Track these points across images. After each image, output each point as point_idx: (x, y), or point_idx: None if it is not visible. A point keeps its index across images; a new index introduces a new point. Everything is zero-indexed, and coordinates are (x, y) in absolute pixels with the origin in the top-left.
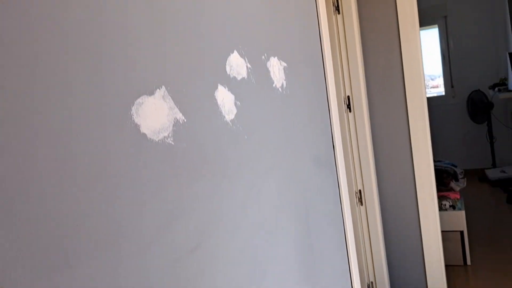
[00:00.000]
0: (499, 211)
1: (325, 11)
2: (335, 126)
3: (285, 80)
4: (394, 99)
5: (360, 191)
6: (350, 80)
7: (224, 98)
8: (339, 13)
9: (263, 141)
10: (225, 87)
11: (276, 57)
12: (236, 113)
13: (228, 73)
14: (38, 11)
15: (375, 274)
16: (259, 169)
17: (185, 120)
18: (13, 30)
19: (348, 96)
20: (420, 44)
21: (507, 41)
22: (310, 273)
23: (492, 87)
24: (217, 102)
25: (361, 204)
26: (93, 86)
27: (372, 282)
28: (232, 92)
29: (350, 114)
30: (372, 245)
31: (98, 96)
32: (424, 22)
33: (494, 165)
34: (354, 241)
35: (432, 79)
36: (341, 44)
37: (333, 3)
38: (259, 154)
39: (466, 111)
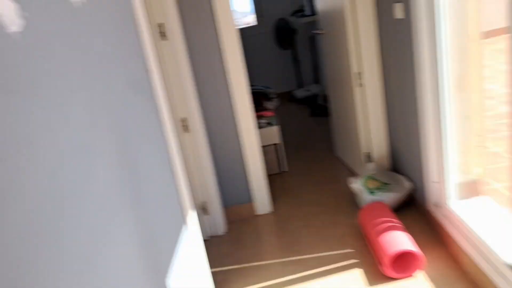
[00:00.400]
0: (306, 123)
1: None
2: (149, 52)
3: None
4: (207, 30)
5: (185, 119)
6: (162, 7)
7: (4, 6)
8: None
9: (63, 59)
10: None
11: None
12: (26, 25)
13: None
14: None
15: (208, 194)
16: (63, 90)
17: None
18: None
19: (163, 23)
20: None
21: None
22: (135, 197)
23: (293, 14)
24: None
25: (187, 131)
26: None
27: (205, 202)
28: (14, 1)
29: (165, 42)
30: (202, 168)
31: None
32: None
33: (300, 86)
34: (183, 166)
35: (244, 16)
36: None
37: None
38: (61, 72)
39: (274, 38)
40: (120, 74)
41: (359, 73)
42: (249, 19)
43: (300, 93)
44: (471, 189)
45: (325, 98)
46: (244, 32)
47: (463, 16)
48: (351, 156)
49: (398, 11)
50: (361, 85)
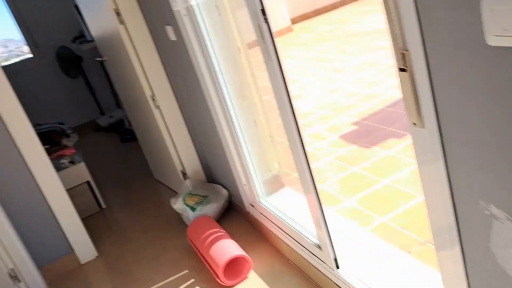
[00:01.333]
0: (118, 152)
1: None
2: None
3: None
4: None
5: None
6: None
7: None
8: None
9: None
10: None
11: None
12: None
13: None
14: None
15: (15, 259)
16: None
17: None
18: None
19: None
20: None
21: None
22: None
23: (74, 40)
24: None
25: None
26: None
27: (13, 269)
28: None
29: None
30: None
31: None
32: None
33: (102, 113)
34: None
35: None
36: None
37: None
38: None
39: (60, 69)
40: None
41: (153, 96)
42: (20, 50)
43: (104, 120)
44: (274, 183)
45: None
46: (18, 67)
47: (225, 31)
48: (169, 176)
49: (170, 33)
50: (157, 107)
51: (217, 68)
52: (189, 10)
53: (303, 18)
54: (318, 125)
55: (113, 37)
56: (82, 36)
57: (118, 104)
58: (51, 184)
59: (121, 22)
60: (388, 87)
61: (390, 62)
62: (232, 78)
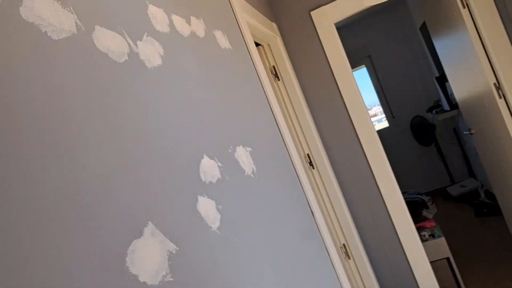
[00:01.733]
0: (473, 226)
1: (268, 80)
2: (309, 193)
3: (254, 164)
4: (349, 147)
5: (344, 245)
6: (305, 138)
7: (207, 208)
8: (278, 79)
9: (252, 236)
10: (204, 196)
11: (241, 145)
12: (221, 218)
13: (203, 180)
14: None
15: None
16: (255, 265)
17: (177, 249)
18: None
19: (308, 154)
20: (356, 83)
21: (430, 67)
22: None
23: (430, 110)
24: (201, 215)
25: (348, 257)
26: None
27: None
28: (211, 198)
29: (314, 172)
30: None
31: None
32: (352, 63)
33: (452, 182)
34: None
35: (369, 109)
36: (288, 107)
37: (271, 71)
38: (251, 250)
39: (413, 137)
40: (290, 227)
41: None
42: (374, 111)
43: (455, 190)
44: None
45: (488, 194)
46: (379, 135)
47: None
48: None
49: None
50: None
51: None
52: None
53: None
54: None
55: (485, 109)
56: (438, 105)
57: (471, 173)
58: (416, 255)
59: (500, 96)
60: None
61: None
62: None
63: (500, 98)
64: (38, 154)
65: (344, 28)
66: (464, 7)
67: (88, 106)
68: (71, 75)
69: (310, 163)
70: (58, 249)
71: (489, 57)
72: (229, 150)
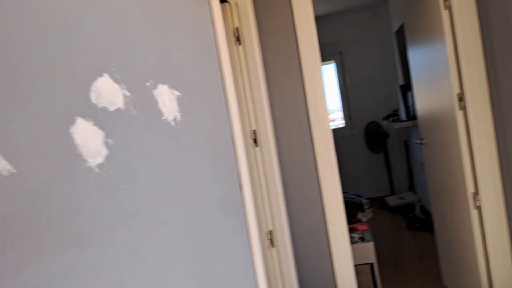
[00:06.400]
0: (402, 238)
1: (224, 38)
2: (242, 164)
3: (179, 112)
4: (300, 133)
5: (270, 231)
6: (255, 113)
7: (87, 136)
8: (240, 44)
9: (149, 190)
10: (88, 121)
11: (166, 85)
12: (107, 155)
13: (94, 102)
14: None
15: None
16: (143, 229)
17: (14, 172)
18: None
19: (254, 130)
20: (322, 78)
21: (396, 75)
22: None
23: (386, 118)
24: (74, 142)
25: (272, 246)
26: None
27: None
28: (100, 128)
29: (257, 149)
30: (286, 287)
31: None
32: (322, 57)
33: (392, 192)
34: (267, 283)
35: (329, 113)
36: (243, 75)
37: (234, 33)
38: (144, 208)
39: (365, 142)
40: (208, 195)
41: (475, 194)
42: (333, 116)
43: (393, 200)
44: None
45: (423, 210)
46: (333, 133)
47: None
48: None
49: None
50: (478, 207)
51: None
52: None
53: None
54: None
55: (443, 120)
56: (395, 114)
57: (411, 187)
58: (341, 255)
59: (461, 108)
60: None
61: None
62: None
63: (460, 110)
64: None
65: (321, 19)
66: (445, 9)
67: None
68: None
69: (255, 140)
70: None
71: (460, 65)
72: (148, 84)
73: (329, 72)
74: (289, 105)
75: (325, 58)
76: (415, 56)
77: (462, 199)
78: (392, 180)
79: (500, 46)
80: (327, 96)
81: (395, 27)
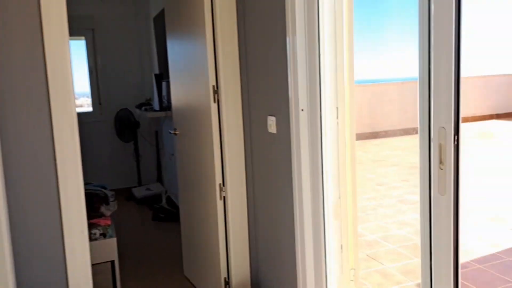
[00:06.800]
0: (147, 230)
1: None
2: None
3: None
4: (36, 113)
5: None
6: None
7: None
8: None
9: None
10: None
11: None
12: None
13: None
14: None
15: None
16: None
17: None
18: None
19: None
20: (70, 57)
21: (152, 63)
22: None
23: (139, 106)
24: None
25: None
26: None
27: None
28: None
29: None
30: None
31: None
32: (71, 32)
33: (140, 183)
34: None
35: (76, 99)
36: None
37: None
38: None
39: (114, 129)
40: None
41: (221, 184)
42: (80, 101)
43: (140, 192)
44: None
45: (169, 201)
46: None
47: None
48: (204, 279)
49: (272, 125)
50: (223, 198)
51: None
52: (312, 108)
53: (359, 138)
54: (388, 262)
55: (198, 112)
56: (149, 104)
57: (159, 178)
58: (77, 256)
59: (215, 100)
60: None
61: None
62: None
63: (215, 102)
64: None
65: None
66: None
67: None
68: None
69: None
70: None
71: (217, 59)
72: None
73: (78, 50)
74: (25, 80)
75: (74, 32)
76: (174, 47)
77: (211, 189)
78: (140, 171)
79: (252, 51)
80: (74, 75)
81: (155, 13)
